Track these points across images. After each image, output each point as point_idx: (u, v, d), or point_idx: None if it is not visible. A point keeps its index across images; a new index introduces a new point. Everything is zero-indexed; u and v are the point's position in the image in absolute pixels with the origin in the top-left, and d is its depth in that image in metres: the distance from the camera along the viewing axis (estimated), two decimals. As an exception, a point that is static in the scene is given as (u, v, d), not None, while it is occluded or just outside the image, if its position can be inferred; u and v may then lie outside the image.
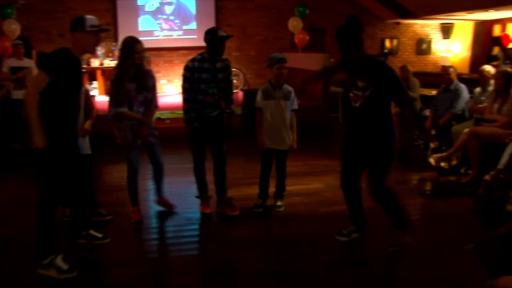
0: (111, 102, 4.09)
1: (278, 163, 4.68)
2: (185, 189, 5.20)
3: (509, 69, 5.64)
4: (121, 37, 10.44)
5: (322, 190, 5.32)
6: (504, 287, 2.26)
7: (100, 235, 3.88)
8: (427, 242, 4.07)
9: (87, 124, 4.29)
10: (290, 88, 4.57)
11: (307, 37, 9.63)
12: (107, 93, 4.36)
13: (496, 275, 2.51)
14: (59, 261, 3.32)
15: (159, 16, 11.29)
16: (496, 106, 5.57)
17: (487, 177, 5.04)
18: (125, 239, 4.05)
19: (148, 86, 4.18)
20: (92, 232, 3.86)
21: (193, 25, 11.40)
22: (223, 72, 4.36)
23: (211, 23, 11.31)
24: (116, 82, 4.03)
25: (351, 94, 3.58)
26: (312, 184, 5.53)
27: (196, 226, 4.39)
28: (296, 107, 4.59)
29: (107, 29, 3.87)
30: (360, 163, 3.73)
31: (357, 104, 3.54)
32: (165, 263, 3.73)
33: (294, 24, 9.92)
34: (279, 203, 4.72)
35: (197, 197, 4.66)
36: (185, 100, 4.32)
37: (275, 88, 4.49)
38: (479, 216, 4.75)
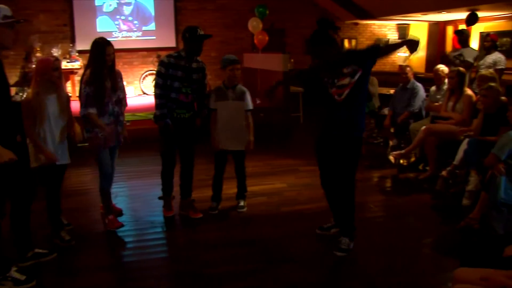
0: (83, 102, 3.94)
1: (236, 164, 4.67)
2: (146, 192, 5.13)
3: (461, 69, 5.82)
4: (78, 38, 10.48)
5: (284, 190, 5.35)
6: (461, 278, 2.32)
7: (45, 251, 3.61)
8: (388, 237, 4.16)
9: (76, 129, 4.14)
10: (244, 89, 4.54)
11: (267, 38, 9.68)
12: (78, 95, 4.16)
13: (454, 267, 2.58)
14: (14, 273, 3.18)
15: (117, 17, 11.08)
16: (450, 104, 5.74)
17: (443, 173, 5.19)
18: (89, 246, 3.94)
19: (120, 86, 4.15)
20: (37, 250, 3.56)
21: (152, 26, 11.24)
22: (197, 73, 4.32)
23: (171, 24, 11.21)
24: (93, 81, 3.87)
25: (332, 90, 3.59)
26: (274, 184, 5.56)
27: (160, 229, 4.32)
28: (251, 107, 4.56)
29: (23, 20, 3.59)
30: (335, 161, 3.76)
31: (343, 96, 3.54)
32: (131, 268, 3.67)
33: (254, 24, 9.94)
34: (241, 203, 4.71)
35: (160, 198, 4.59)
36: (158, 95, 4.23)
37: (227, 88, 4.47)
38: (437, 211, 4.88)
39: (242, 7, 11.52)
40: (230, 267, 3.56)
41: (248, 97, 4.54)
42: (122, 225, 4.20)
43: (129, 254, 3.90)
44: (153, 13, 11.25)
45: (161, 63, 4.23)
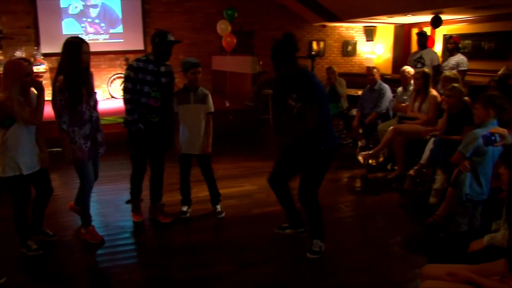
0: (58, 114, 3.66)
1: (202, 168, 4.59)
2: (115, 197, 5.05)
3: (426, 70, 5.95)
4: (44, 41, 10.26)
5: (254, 192, 5.36)
6: (429, 274, 2.37)
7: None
8: (358, 236, 4.22)
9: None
10: (206, 92, 4.50)
11: (235, 40, 9.68)
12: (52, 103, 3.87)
13: (422, 264, 2.64)
14: None
15: (84, 19, 10.89)
16: (417, 104, 5.86)
17: (411, 172, 5.30)
18: (58, 253, 3.85)
19: (93, 89, 3.94)
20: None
21: (119, 29, 11.09)
22: (166, 77, 4.26)
23: (139, 27, 11.09)
24: (68, 87, 3.60)
25: (289, 101, 3.65)
26: (245, 186, 5.56)
27: (130, 234, 4.27)
28: (212, 110, 4.51)
29: None
30: (295, 167, 3.78)
31: (295, 111, 3.59)
32: (101, 274, 3.62)
33: (223, 27, 9.92)
34: (219, 209, 4.65)
35: (128, 202, 4.51)
36: (127, 100, 4.14)
37: (189, 92, 4.41)
38: (405, 209, 4.97)
39: (210, 10, 11.49)
40: (202, 271, 3.54)
41: (210, 100, 4.49)
42: (103, 240, 3.99)
43: (99, 261, 3.83)
44: (120, 16, 11.11)
45: (130, 68, 4.15)
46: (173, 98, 4.44)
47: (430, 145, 5.04)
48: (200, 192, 4.84)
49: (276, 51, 3.58)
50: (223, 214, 4.61)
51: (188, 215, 4.59)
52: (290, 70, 3.60)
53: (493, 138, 2.99)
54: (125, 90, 4.15)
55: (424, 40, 7.75)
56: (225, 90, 9.69)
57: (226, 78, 9.48)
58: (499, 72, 7.68)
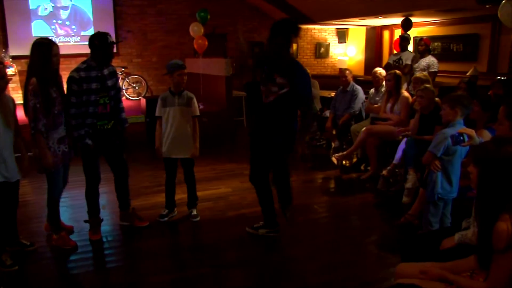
0: (31, 117, 3.54)
1: (185, 172, 4.59)
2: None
3: (398, 71, 6.05)
4: (12, 43, 10.01)
5: (229, 194, 5.35)
6: (402, 273, 2.41)
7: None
8: (332, 236, 4.25)
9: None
10: (191, 95, 4.46)
11: (206, 43, 9.66)
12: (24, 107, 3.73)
13: (396, 263, 2.67)
14: None
15: (54, 21, 10.69)
16: (389, 105, 5.95)
17: (384, 172, 5.37)
18: (29, 259, 3.74)
19: (64, 91, 3.84)
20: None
21: (91, 31, 10.91)
22: (111, 78, 4.04)
23: (110, 29, 10.92)
24: (41, 90, 3.51)
25: (263, 88, 3.71)
26: (220, 189, 5.54)
27: (104, 239, 4.17)
28: (197, 113, 4.48)
29: None
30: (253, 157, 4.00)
31: (269, 99, 3.67)
32: (74, 280, 3.54)
33: (196, 29, 9.88)
34: (194, 212, 4.62)
35: (86, 221, 4.21)
36: (74, 115, 3.82)
37: (174, 95, 4.37)
38: (379, 209, 5.03)
39: (183, 12, 11.43)
40: (177, 274, 3.52)
41: (195, 103, 4.46)
42: (76, 245, 3.90)
43: (72, 267, 3.75)
44: (91, 18, 10.95)
45: (71, 80, 3.80)
46: (158, 100, 4.39)
47: (402, 145, 5.12)
48: (175, 195, 4.80)
49: (278, 22, 3.70)
50: (198, 218, 4.58)
51: (166, 219, 4.53)
52: (286, 51, 3.71)
53: (461, 138, 3.06)
54: (70, 104, 3.82)
55: (406, 43, 7.94)
56: (199, 92, 9.64)
57: (200, 81, 9.43)
58: (468, 73, 7.88)
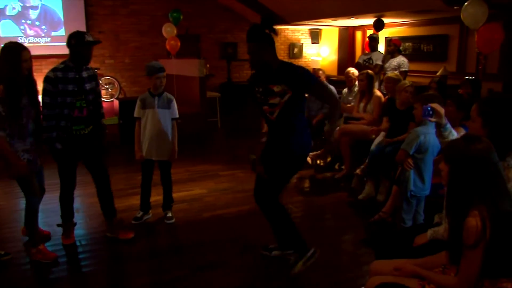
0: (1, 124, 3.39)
1: (162, 174, 4.56)
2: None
3: (370, 71, 6.13)
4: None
5: (204, 196, 5.34)
6: (376, 270, 2.44)
7: None
8: (307, 235, 4.25)
9: None
10: (170, 96, 4.44)
11: (179, 44, 9.61)
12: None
13: (371, 260, 2.71)
14: None
15: (23, 21, 10.44)
16: (362, 105, 6.02)
17: (358, 171, 5.43)
18: (2, 266, 3.65)
19: (37, 97, 3.69)
20: None
21: (61, 32, 10.71)
22: (90, 82, 3.88)
23: (82, 30, 10.74)
24: (7, 98, 3.35)
25: (265, 107, 3.37)
26: (194, 190, 5.53)
27: (80, 243, 4.10)
28: (177, 115, 4.46)
29: None
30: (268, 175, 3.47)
31: (274, 115, 3.34)
32: (52, 286, 3.49)
33: (168, 30, 9.81)
34: (169, 214, 4.59)
35: (59, 225, 4.09)
36: (46, 116, 3.69)
37: (154, 96, 4.34)
38: (354, 207, 5.08)
39: (156, 12, 11.33)
40: (154, 277, 3.49)
41: (175, 105, 4.42)
42: (56, 258, 3.74)
43: (50, 272, 3.65)
44: (62, 18, 10.75)
45: (47, 80, 3.67)
46: (137, 102, 4.32)
47: (375, 144, 5.19)
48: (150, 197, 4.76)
49: (255, 27, 3.35)
50: (173, 220, 4.55)
51: (142, 220, 4.50)
52: (269, 56, 3.32)
53: (430, 111, 3.11)
54: (44, 105, 3.69)
55: (375, 44, 8.09)
56: (172, 93, 9.56)
57: (173, 82, 9.37)
58: (438, 73, 8.04)
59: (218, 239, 4.13)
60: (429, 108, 2.98)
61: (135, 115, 4.39)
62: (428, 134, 3.75)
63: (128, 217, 4.53)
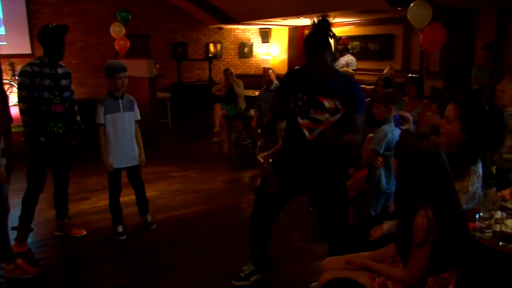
0: None
1: (133, 181, 4.30)
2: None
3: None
4: None
5: (156, 197, 5.25)
6: (328, 267, 2.48)
7: None
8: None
9: None
10: (132, 98, 4.21)
11: (128, 43, 9.45)
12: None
13: (325, 256, 2.76)
14: None
15: (-41, 20, 9.98)
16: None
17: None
18: None
19: None
20: None
21: (1, 31, 10.28)
22: (65, 78, 3.88)
23: (24, 29, 10.35)
24: None
25: (303, 121, 2.91)
26: (146, 192, 5.42)
27: (35, 250, 3.94)
28: (139, 117, 4.26)
29: None
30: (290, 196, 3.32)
31: (315, 133, 2.88)
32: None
33: (117, 30, 9.62)
34: (149, 219, 4.40)
35: (14, 228, 3.82)
36: (24, 111, 3.64)
37: (117, 99, 4.06)
38: (306, 204, 5.14)
39: (102, 12, 11.06)
40: (107, 283, 3.41)
41: (136, 106, 4.23)
42: (40, 270, 3.50)
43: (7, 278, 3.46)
44: (1, 16, 10.31)
45: (23, 74, 3.64)
46: (99, 106, 3.99)
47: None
48: (99, 201, 4.66)
49: (316, 33, 3.02)
50: (155, 226, 4.39)
51: (125, 236, 4.18)
52: (329, 65, 2.81)
53: (399, 120, 3.19)
54: (21, 99, 3.65)
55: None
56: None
57: (123, 82, 9.23)
58: (384, 71, 8.28)
59: (172, 241, 4.09)
60: (398, 117, 3.07)
61: (99, 121, 3.99)
62: (394, 131, 3.77)
63: (79, 222, 4.39)
